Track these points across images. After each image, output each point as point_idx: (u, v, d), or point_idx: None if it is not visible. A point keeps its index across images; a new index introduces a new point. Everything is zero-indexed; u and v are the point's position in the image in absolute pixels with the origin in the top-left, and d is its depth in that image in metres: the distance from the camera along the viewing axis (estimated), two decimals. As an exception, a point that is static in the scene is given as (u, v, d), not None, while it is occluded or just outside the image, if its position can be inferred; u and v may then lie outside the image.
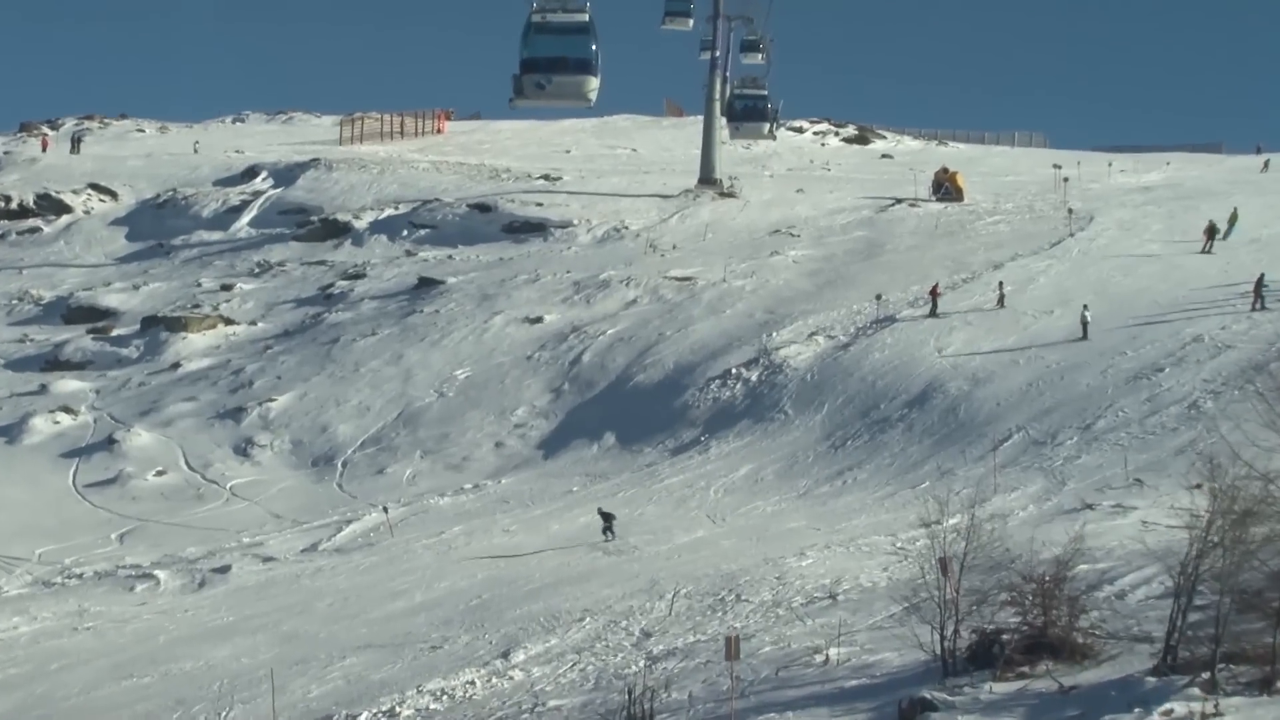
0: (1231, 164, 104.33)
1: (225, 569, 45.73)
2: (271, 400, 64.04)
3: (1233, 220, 68.18)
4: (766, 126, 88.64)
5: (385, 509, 50.33)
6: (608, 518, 44.41)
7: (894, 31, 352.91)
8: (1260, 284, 56.39)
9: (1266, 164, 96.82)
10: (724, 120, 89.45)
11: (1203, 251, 65.39)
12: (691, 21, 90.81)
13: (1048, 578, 27.16)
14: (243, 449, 60.76)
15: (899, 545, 40.15)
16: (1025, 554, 37.18)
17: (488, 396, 62.42)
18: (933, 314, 60.94)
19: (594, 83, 50.15)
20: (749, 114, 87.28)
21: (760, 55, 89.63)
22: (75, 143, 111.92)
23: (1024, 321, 59.12)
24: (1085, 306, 57.05)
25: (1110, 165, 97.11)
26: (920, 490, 46.40)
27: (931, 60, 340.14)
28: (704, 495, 49.33)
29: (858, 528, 42.96)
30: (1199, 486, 42.89)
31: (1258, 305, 55.71)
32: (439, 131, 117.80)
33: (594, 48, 50.23)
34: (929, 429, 51.90)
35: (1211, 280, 60.88)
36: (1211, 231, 65.85)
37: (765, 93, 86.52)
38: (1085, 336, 55.62)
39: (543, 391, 62.45)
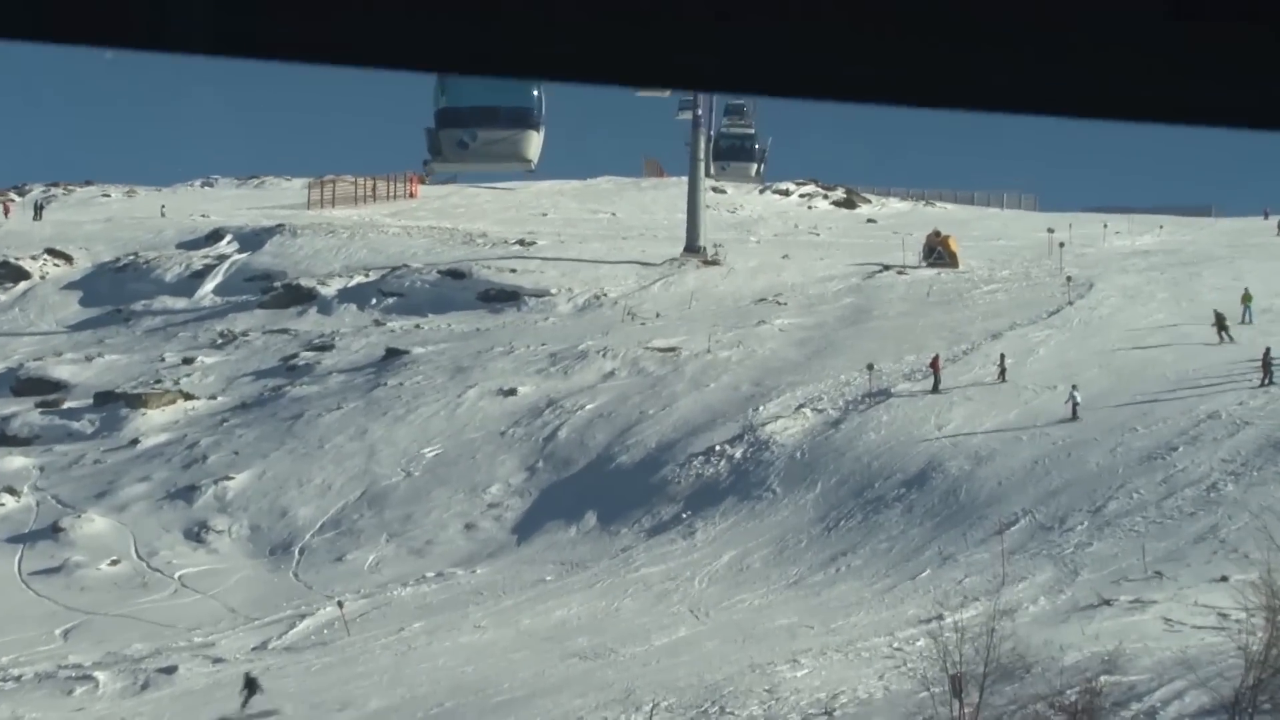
0: (1224, 227, 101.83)
1: (171, 669, 43.17)
2: (228, 479, 60.65)
3: (1246, 300, 63.87)
4: (754, 167, 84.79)
5: (340, 604, 46.76)
6: (251, 685, 39.04)
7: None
8: (1268, 358, 53.19)
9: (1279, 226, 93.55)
10: (711, 162, 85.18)
11: (1221, 343, 59.63)
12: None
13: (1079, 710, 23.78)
14: (196, 534, 57.36)
15: (897, 647, 37.07)
16: (1042, 661, 34.15)
17: (458, 474, 59.03)
18: (935, 389, 57.52)
19: (534, 140, 37.85)
20: (736, 153, 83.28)
21: (744, 119, 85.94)
22: (38, 209, 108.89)
23: (1025, 396, 55.83)
24: (1074, 386, 53.59)
25: (1106, 227, 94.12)
26: (920, 580, 43.28)
27: (917, 118, 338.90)
28: (686, 586, 46.05)
29: (854, 627, 39.77)
30: (1225, 579, 40.02)
31: (1266, 380, 52.51)
32: (411, 195, 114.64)
33: (535, 93, 38.64)
34: (929, 510, 48.57)
35: (1223, 353, 57.60)
36: (1221, 321, 60.59)
37: (752, 131, 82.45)
38: (1075, 417, 52.15)
39: (517, 469, 59.10)
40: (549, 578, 49.05)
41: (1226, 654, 33.38)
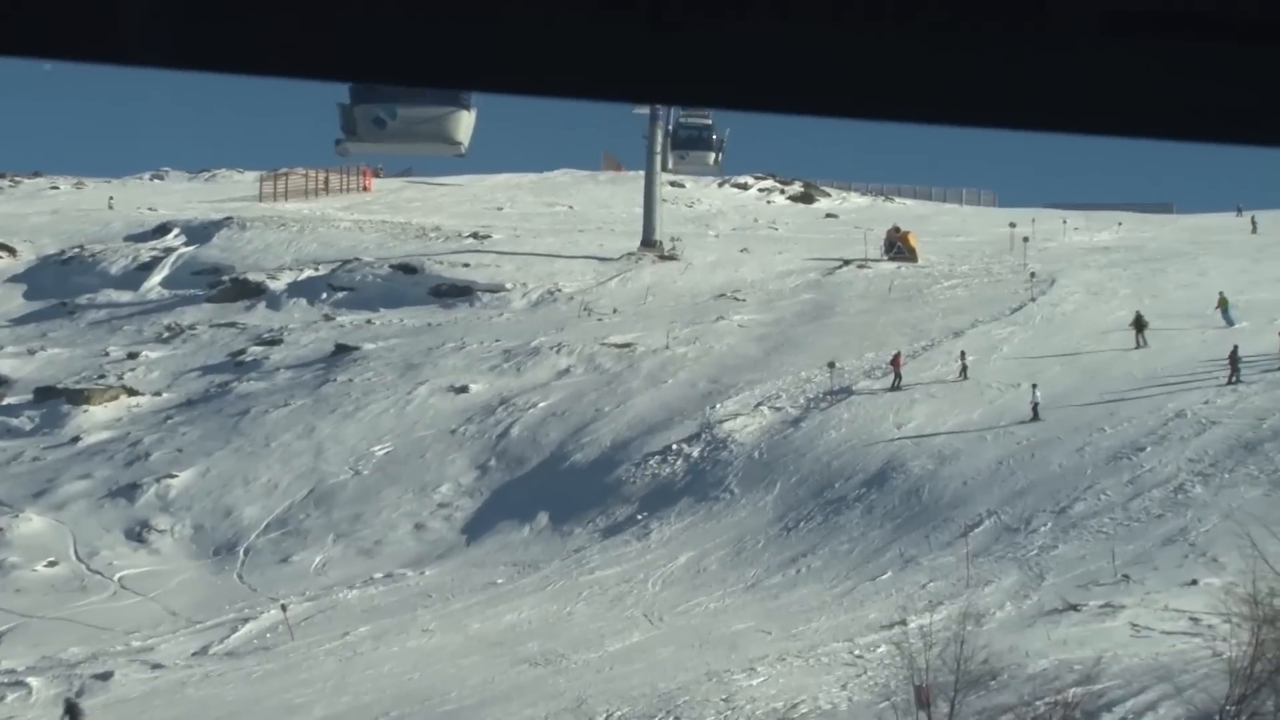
0: (1186, 223, 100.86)
1: (107, 675, 41.44)
2: (171, 477, 58.99)
3: (1224, 304, 61.12)
4: (712, 156, 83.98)
5: (284, 607, 45.21)
6: (73, 710, 37.39)
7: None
8: (1235, 356, 52.08)
9: (1254, 224, 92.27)
10: (670, 152, 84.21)
11: (1136, 347, 58.00)
12: None
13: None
14: (137, 534, 55.70)
15: (858, 654, 35.85)
16: (1009, 668, 32.90)
17: (407, 473, 57.52)
18: (896, 387, 56.30)
19: (464, 121, 31.93)
20: (694, 143, 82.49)
21: (702, 110, 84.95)
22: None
23: (988, 394, 54.62)
24: (1035, 386, 52.29)
25: (1065, 223, 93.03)
26: (881, 583, 42.03)
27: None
28: (641, 589, 44.68)
29: (814, 632, 38.50)
30: (1195, 583, 38.84)
31: (1234, 379, 51.38)
32: (365, 189, 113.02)
33: None
34: (890, 512, 47.29)
35: (1191, 350, 56.47)
36: (1140, 324, 58.63)
37: (710, 121, 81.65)
38: (1036, 417, 50.88)
39: (468, 468, 57.64)
40: (500, 580, 47.65)
41: (1200, 661, 32.21)
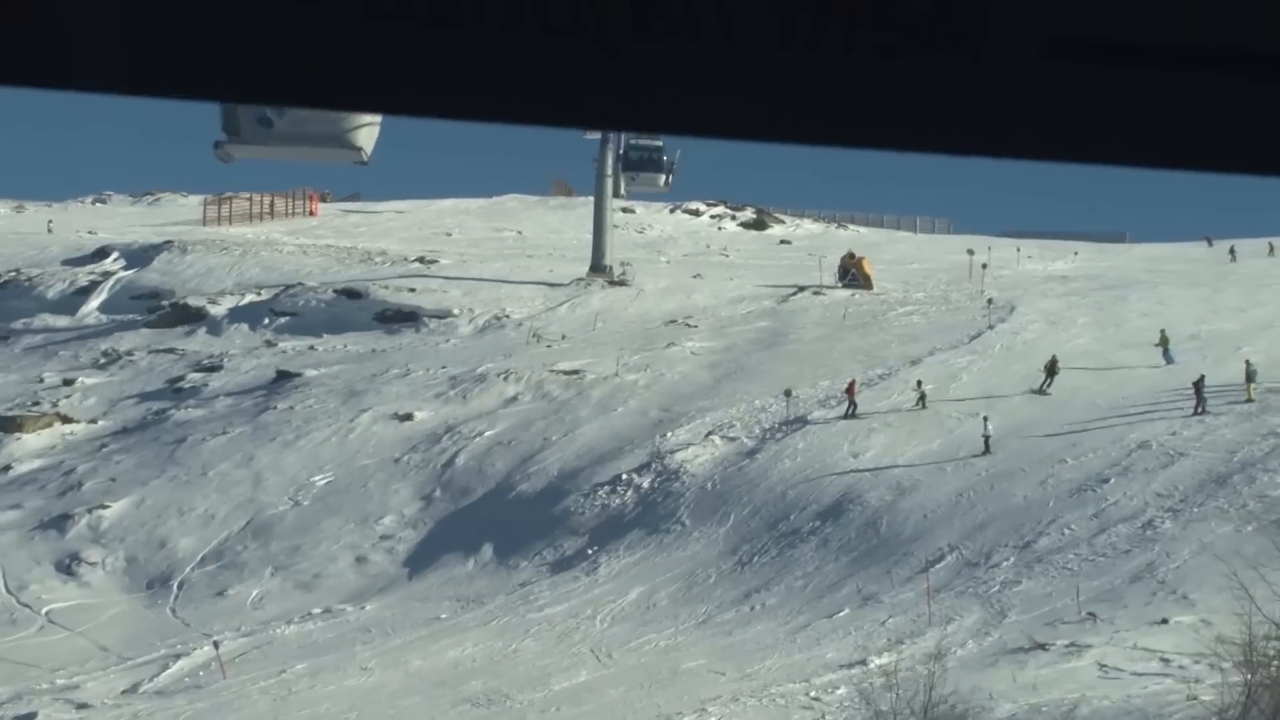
0: (1140, 253, 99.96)
1: (30, 717, 39.70)
2: (104, 507, 56.96)
3: (1164, 343, 59.05)
4: (663, 178, 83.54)
5: (216, 644, 43.30)
6: None
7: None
8: (1200, 386, 50.77)
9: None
10: (621, 173, 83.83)
11: (1039, 391, 55.51)
12: None
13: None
14: (68, 566, 53.69)
15: (815, 696, 34.41)
16: (973, 711, 31.45)
17: (348, 504, 55.73)
18: (850, 415, 54.85)
19: (365, 126, 27.61)
20: (644, 164, 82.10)
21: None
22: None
23: (948, 424, 53.18)
24: (985, 419, 50.84)
25: (1019, 251, 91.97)
26: (839, 620, 40.52)
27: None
28: (589, 625, 43.09)
29: (768, 671, 36.93)
30: (1164, 622, 37.45)
31: (1199, 409, 50.05)
32: (312, 213, 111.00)
33: None
34: (846, 545, 45.80)
35: (1152, 380, 55.20)
36: (1051, 368, 56.01)
37: (660, 143, 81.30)
38: (988, 450, 49.37)
39: (412, 498, 55.93)
40: (443, 615, 45.95)
41: (1175, 705, 30.89)
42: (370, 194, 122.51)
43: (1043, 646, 35.72)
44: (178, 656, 43.89)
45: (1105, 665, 34.43)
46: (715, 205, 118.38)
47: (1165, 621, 36.36)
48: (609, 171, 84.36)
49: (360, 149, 26.41)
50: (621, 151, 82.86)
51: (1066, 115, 2.38)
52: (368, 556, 52.61)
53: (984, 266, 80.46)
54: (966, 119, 2.42)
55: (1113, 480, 45.46)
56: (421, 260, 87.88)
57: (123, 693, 41.26)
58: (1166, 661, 33.88)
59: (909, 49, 2.34)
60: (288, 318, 78.00)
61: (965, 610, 39.57)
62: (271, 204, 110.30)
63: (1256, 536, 39.29)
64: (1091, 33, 2.31)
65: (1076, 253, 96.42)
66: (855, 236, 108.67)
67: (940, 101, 2.40)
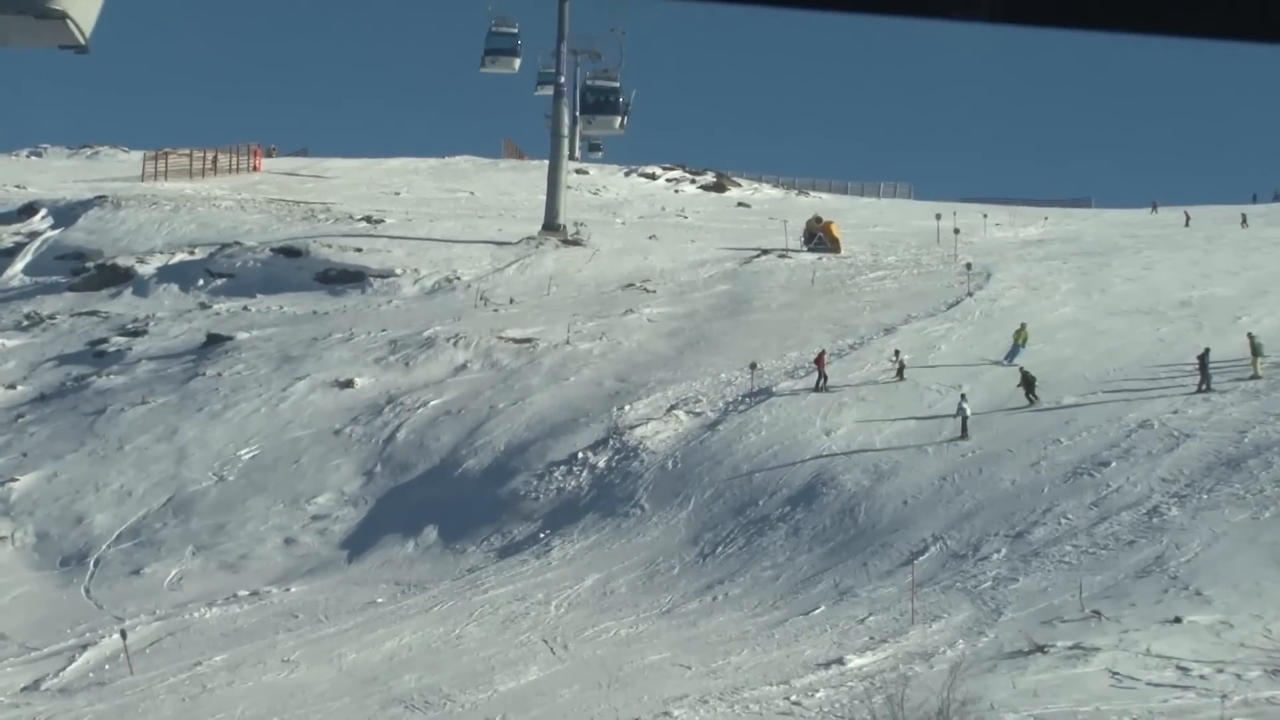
0: (1110, 218, 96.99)
1: (-85, 717, 35.57)
2: (14, 480, 52.72)
3: (1020, 337, 53.46)
4: (619, 120, 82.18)
5: (123, 633, 39.12)
6: None
7: (751, 76, 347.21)
8: (1205, 360, 46.95)
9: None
10: (578, 116, 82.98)
11: (1030, 405, 47.99)
12: (518, 62, 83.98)
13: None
14: (-28, 542, 49.54)
15: (795, 700, 30.60)
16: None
17: (278, 480, 51.70)
18: (821, 388, 51.02)
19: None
20: (600, 107, 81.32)
21: (609, 74, 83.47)
22: None
23: (928, 398, 49.40)
24: (963, 395, 47.00)
25: (986, 217, 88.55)
26: (815, 617, 36.64)
27: (789, 107, 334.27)
28: (541, 612, 39.12)
29: (740, 670, 33.01)
30: (1178, 621, 33.78)
31: (1204, 385, 46.32)
32: (255, 169, 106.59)
33: None
34: (820, 534, 41.89)
35: (1147, 351, 51.59)
36: (1029, 383, 48.79)
37: (617, 84, 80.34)
38: (965, 434, 45.46)
39: (352, 474, 51.99)
40: (381, 600, 42.00)
41: (1205, 726, 27.17)
42: (318, 150, 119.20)
43: (1042, 649, 31.92)
44: (85, 646, 39.80)
45: (1117, 673, 30.70)
46: (672, 169, 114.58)
47: (1179, 620, 32.61)
48: (564, 131, 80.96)
49: (62, 14, 15.76)
50: (579, 93, 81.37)
51: None
52: (298, 537, 48.71)
53: (956, 231, 76.92)
54: None
55: (1113, 464, 41.62)
56: (368, 219, 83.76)
57: (23, 689, 37.20)
58: (1185, 670, 30.14)
59: None
60: (223, 279, 73.69)
61: (953, 607, 35.75)
62: (215, 159, 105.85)
63: (1275, 524, 35.76)
64: None
65: (1046, 218, 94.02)
66: (817, 202, 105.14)
67: None
